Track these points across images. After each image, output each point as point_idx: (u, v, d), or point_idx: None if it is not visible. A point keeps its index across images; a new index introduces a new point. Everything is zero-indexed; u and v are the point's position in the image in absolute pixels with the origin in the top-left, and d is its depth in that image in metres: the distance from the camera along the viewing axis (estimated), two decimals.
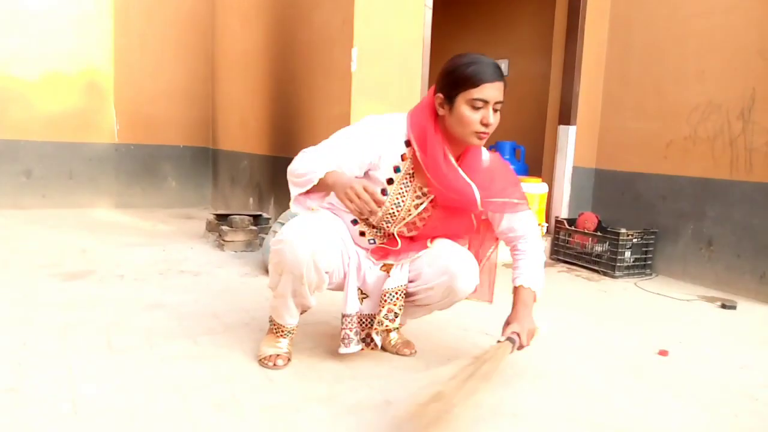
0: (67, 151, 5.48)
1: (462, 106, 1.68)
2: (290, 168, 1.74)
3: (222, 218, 4.16)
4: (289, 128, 4.13)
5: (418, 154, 1.75)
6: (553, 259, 4.05)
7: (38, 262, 3.28)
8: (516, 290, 1.88)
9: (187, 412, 1.58)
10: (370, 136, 1.77)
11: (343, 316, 1.88)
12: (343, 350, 1.87)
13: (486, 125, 1.69)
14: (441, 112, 1.74)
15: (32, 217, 4.99)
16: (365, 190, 1.59)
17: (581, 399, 1.82)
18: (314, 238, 1.71)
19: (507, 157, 4.65)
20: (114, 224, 4.85)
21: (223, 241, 3.88)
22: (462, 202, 1.81)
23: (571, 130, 4.07)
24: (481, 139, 1.72)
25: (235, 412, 1.60)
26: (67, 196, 5.52)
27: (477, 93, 1.66)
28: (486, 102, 1.67)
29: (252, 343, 2.12)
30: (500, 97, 1.69)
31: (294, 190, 1.73)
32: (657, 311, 2.94)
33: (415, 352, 2.10)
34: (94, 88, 5.51)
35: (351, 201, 1.60)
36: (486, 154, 1.90)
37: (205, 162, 6.12)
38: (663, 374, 2.06)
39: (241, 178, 5.18)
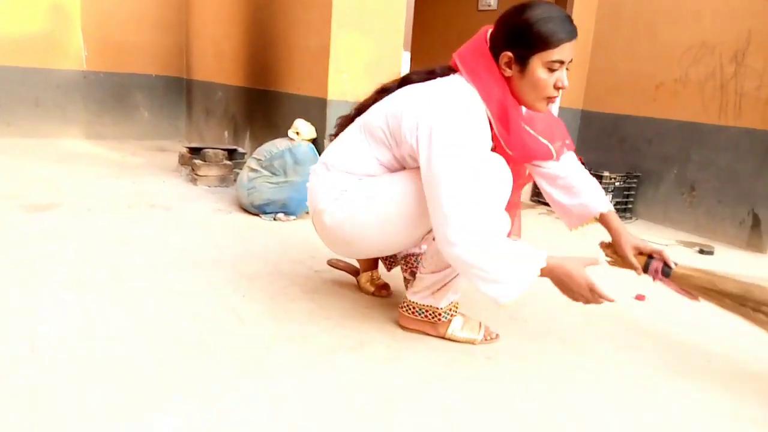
0: (33, 77, 5.19)
1: (538, 68, 1.45)
2: (481, 260, 1.40)
3: (195, 152, 4.01)
4: (265, 59, 3.93)
5: (498, 131, 1.55)
6: (533, 201, 4.01)
7: (1, 192, 3.14)
8: (605, 216, 1.83)
9: (152, 354, 1.52)
10: (481, 136, 1.49)
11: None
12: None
13: (560, 89, 1.49)
14: (508, 73, 1.50)
15: None
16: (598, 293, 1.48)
17: (556, 344, 1.80)
18: None
19: None
20: (83, 155, 4.66)
21: (197, 175, 3.75)
22: (539, 159, 1.72)
23: None
24: (551, 103, 1.54)
25: (203, 353, 1.54)
26: (34, 124, 5.27)
27: (557, 54, 1.43)
28: (562, 63, 1.46)
29: (222, 281, 2.05)
30: (573, 56, 1.50)
31: (515, 288, 1.43)
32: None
33: (392, 293, 2.05)
34: (60, 11, 5.18)
35: (585, 301, 1.49)
36: None
37: (178, 92, 5.87)
38: (640, 319, 2.05)
39: (215, 110, 4.98)
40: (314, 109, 3.21)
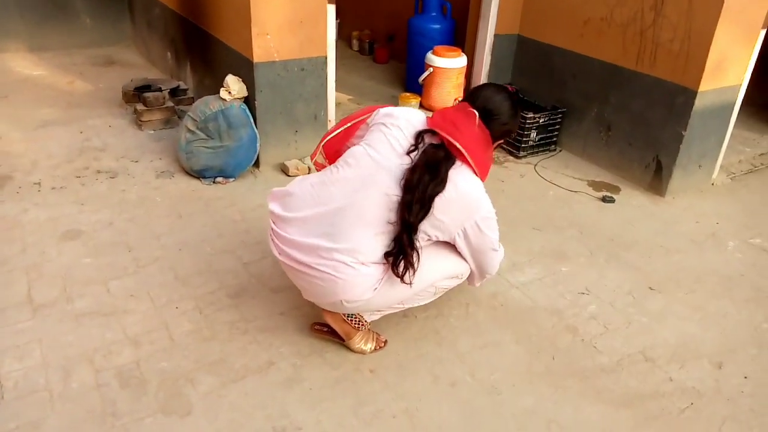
0: None
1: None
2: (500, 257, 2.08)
3: (138, 90, 4.06)
4: None
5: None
6: None
7: None
8: None
9: (96, 389, 1.90)
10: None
11: None
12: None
13: None
14: (491, 149, 1.94)
15: None
16: None
17: (432, 346, 2.20)
18: None
19: (433, 13, 4.46)
20: (29, 82, 4.66)
21: (141, 120, 3.88)
22: None
23: None
24: None
25: (135, 385, 1.93)
26: None
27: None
28: None
29: (159, 288, 2.39)
30: None
31: None
32: (539, 204, 3.24)
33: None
34: None
35: None
36: None
37: None
38: (515, 310, 2.45)
39: (156, 27, 4.87)
40: (243, 68, 3.28)
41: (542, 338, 2.28)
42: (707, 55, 3.01)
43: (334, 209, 1.81)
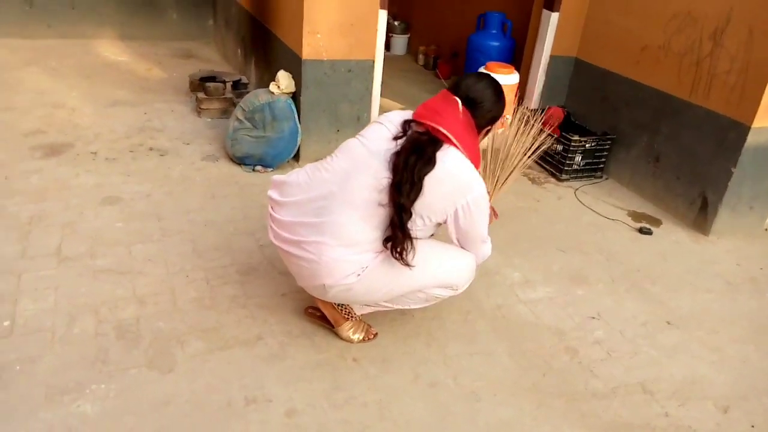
0: None
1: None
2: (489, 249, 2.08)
3: (203, 80, 4.30)
4: None
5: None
6: None
7: (27, 126, 3.63)
8: None
9: (93, 338, 2.03)
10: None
11: None
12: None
13: None
14: (479, 138, 1.96)
15: (37, 49, 5.21)
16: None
17: (422, 347, 2.19)
18: None
19: (494, 31, 4.47)
20: (112, 66, 5.04)
21: (200, 108, 4.11)
22: None
23: (554, 16, 3.85)
24: None
25: (132, 339, 2.04)
26: (72, 26, 5.64)
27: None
28: None
29: (176, 257, 2.52)
30: None
31: None
32: (570, 227, 3.16)
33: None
34: None
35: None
36: None
37: None
38: (506, 324, 2.39)
39: (232, 25, 5.16)
40: (294, 64, 3.42)
41: (537, 355, 2.21)
42: (765, 89, 2.85)
43: (325, 193, 1.86)
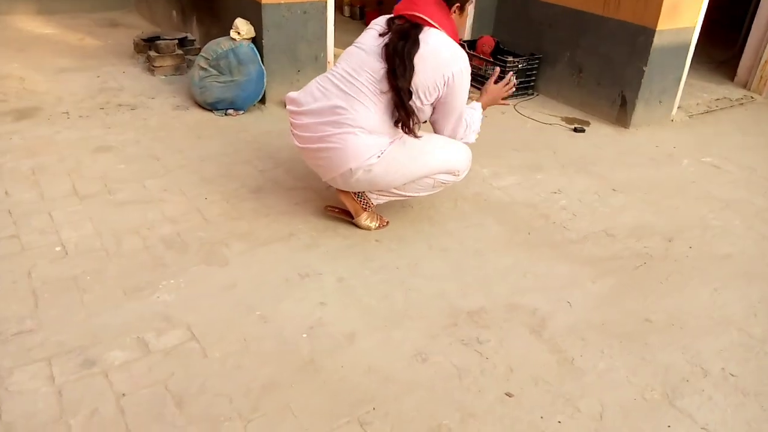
0: None
1: (465, 10, 2.30)
2: (472, 130, 2.44)
3: (148, 40, 4.38)
4: None
5: None
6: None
7: None
8: None
9: (145, 250, 2.26)
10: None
11: None
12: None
13: None
14: (454, 16, 2.26)
15: None
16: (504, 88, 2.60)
17: (427, 224, 2.59)
18: None
19: None
20: (42, 39, 4.95)
21: (153, 66, 4.21)
22: None
23: None
24: None
25: (180, 247, 2.29)
26: None
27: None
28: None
29: (189, 185, 2.74)
30: None
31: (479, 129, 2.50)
32: (517, 133, 3.64)
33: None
34: None
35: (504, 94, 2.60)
36: None
37: None
38: (493, 201, 2.84)
39: None
40: (251, 11, 3.63)
41: (520, 222, 2.67)
42: None
43: (338, 94, 2.19)
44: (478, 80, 4.35)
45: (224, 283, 2.11)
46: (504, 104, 2.67)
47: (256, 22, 3.60)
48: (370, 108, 2.17)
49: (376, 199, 2.47)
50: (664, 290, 2.27)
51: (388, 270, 2.26)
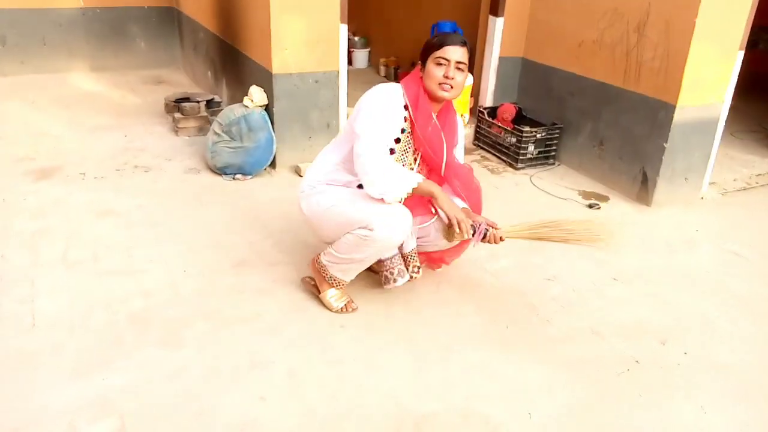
0: (37, 17, 5.69)
1: (430, 64, 2.17)
2: (370, 169, 2.07)
3: (177, 102, 4.57)
4: (232, 15, 4.34)
5: (411, 111, 2.20)
6: (474, 145, 4.51)
7: (16, 153, 3.85)
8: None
9: (109, 326, 2.28)
10: (385, 109, 2.17)
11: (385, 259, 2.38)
12: (389, 286, 2.40)
13: (447, 77, 2.15)
14: (421, 75, 2.22)
15: (13, 85, 5.42)
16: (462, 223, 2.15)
17: (402, 312, 2.49)
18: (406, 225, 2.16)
19: None
20: (88, 96, 5.28)
21: (177, 127, 4.37)
22: (434, 148, 2.26)
23: (499, 21, 4.24)
24: (444, 90, 2.17)
25: (143, 324, 2.29)
26: (44, 61, 5.85)
27: (440, 53, 2.15)
28: (448, 60, 2.14)
29: (173, 256, 2.77)
30: (461, 59, 2.16)
31: (394, 193, 2.09)
32: (527, 207, 3.50)
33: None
34: None
35: (457, 224, 2.14)
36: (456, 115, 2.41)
37: (170, 23, 6.27)
38: (480, 286, 2.71)
39: (200, 49, 5.43)
40: (265, 79, 3.72)
41: (501, 312, 2.52)
42: (683, 72, 3.25)
43: None
44: (496, 147, 4.27)
45: (174, 368, 2.09)
46: (459, 214, 2.17)
47: (269, 91, 3.68)
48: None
49: (343, 276, 2.38)
50: (643, 404, 2.06)
51: (344, 363, 2.17)
